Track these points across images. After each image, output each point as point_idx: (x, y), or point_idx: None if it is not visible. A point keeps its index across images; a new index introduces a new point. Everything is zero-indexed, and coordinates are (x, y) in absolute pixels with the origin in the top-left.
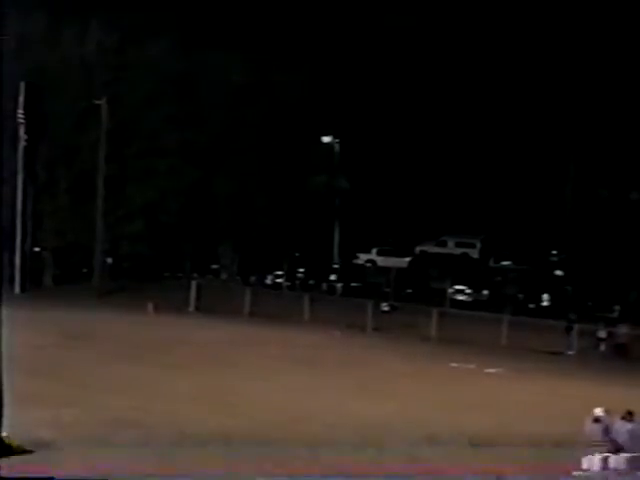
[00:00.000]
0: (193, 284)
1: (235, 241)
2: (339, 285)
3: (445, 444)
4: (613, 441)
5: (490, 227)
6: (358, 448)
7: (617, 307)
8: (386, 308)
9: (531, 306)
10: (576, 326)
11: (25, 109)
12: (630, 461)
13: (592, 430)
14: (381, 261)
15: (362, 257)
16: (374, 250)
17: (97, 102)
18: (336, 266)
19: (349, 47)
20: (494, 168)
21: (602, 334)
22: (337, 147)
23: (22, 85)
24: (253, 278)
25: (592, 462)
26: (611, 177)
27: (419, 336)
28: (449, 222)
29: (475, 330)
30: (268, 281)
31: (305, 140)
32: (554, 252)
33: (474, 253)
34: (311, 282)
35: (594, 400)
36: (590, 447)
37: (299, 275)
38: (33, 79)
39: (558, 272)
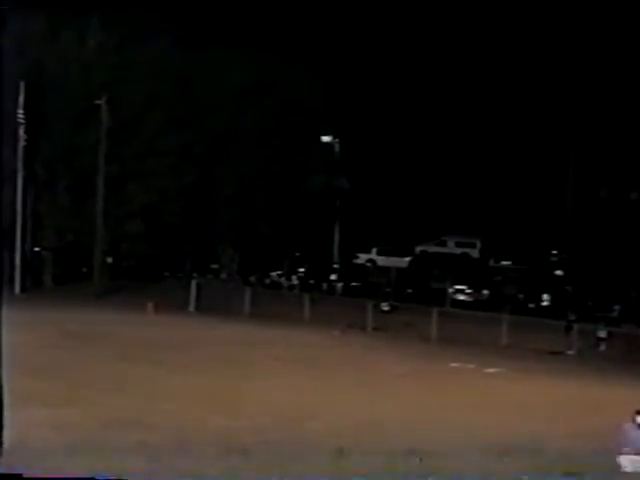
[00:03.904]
0: (193, 284)
1: (235, 241)
2: (339, 285)
3: (445, 444)
4: None
5: (490, 227)
6: (358, 447)
7: (617, 307)
8: (386, 308)
9: (531, 306)
10: (576, 326)
11: (25, 109)
12: None
13: (636, 437)
14: (381, 261)
15: (362, 257)
16: (374, 250)
17: (97, 102)
18: (336, 266)
19: (350, 47)
20: (494, 168)
21: (602, 334)
22: (337, 147)
23: (22, 85)
24: (253, 278)
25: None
26: (611, 177)
27: (419, 336)
28: (449, 222)
29: (475, 330)
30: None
31: (305, 140)
32: (554, 252)
33: (474, 253)
34: (311, 282)
35: (594, 400)
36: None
37: (299, 275)
38: (33, 79)
39: (558, 272)
